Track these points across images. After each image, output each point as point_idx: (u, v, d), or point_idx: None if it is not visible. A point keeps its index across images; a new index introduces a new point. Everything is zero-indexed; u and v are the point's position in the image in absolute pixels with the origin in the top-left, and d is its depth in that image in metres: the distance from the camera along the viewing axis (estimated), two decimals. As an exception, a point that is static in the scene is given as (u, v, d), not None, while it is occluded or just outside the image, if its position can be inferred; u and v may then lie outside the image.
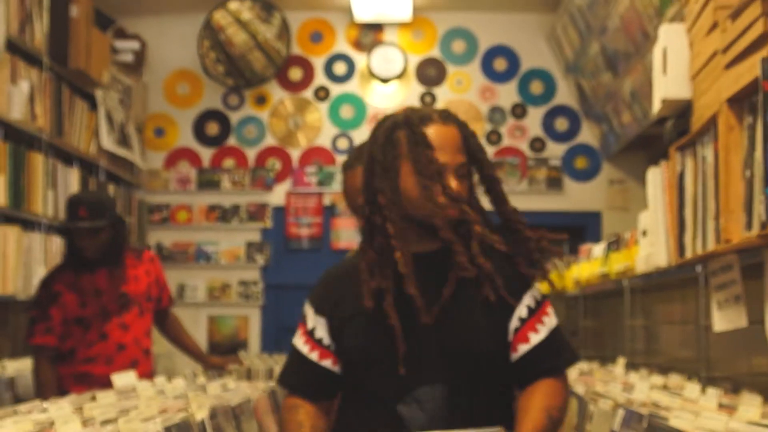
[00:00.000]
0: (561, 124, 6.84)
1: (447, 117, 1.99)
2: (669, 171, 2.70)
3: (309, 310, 2.08)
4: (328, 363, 2.05)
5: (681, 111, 2.69)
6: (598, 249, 4.34)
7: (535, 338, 1.96)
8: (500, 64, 6.87)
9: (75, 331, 3.76)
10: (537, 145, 6.82)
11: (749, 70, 1.93)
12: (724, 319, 2.37)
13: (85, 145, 5.46)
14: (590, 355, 4.96)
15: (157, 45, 6.72)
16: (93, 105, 5.60)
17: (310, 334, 2.06)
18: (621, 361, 4.01)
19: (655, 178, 2.85)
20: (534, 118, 6.84)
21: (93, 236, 3.75)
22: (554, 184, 6.77)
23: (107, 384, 3.05)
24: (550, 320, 2.00)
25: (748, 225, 2.03)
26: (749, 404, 2.29)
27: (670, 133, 2.76)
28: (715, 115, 2.21)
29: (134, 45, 6.22)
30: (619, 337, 4.36)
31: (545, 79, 6.84)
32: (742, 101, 2.06)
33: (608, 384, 2.99)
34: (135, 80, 6.41)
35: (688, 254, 2.57)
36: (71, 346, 3.76)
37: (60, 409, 2.14)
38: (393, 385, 1.94)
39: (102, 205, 3.80)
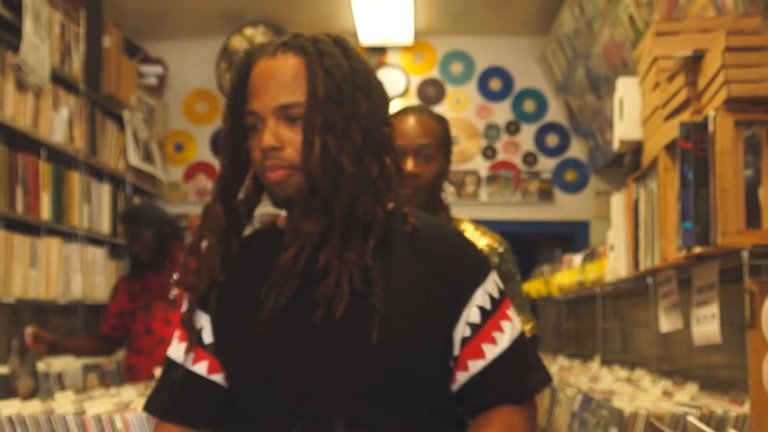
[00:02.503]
0: (552, 140, 7.35)
1: (284, 45, 1.47)
2: (627, 198, 3.22)
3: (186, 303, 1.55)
4: (218, 378, 1.51)
5: (635, 149, 3.22)
6: (577, 259, 4.88)
7: (493, 351, 1.43)
8: (495, 84, 7.38)
9: (127, 321, 4.38)
10: (529, 159, 7.33)
11: (678, 126, 2.45)
12: (668, 322, 2.89)
13: (114, 162, 5.98)
14: (572, 353, 5.51)
15: (178, 67, 7.24)
16: (121, 125, 6.12)
17: (195, 337, 1.52)
18: (597, 358, 4.55)
19: (618, 202, 3.39)
20: (527, 135, 7.35)
21: (135, 241, 4.36)
22: (545, 195, 7.27)
23: (151, 376, 3.63)
24: (512, 326, 1.46)
25: (680, 248, 2.55)
26: (686, 391, 2.82)
27: (628, 167, 3.29)
28: (656, 157, 2.73)
29: (158, 69, 6.74)
30: (595, 337, 4.90)
31: (537, 98, 7.35)
32: (675, 149, 2.58)
33: (579, 376, 3.52)
34: (157, 100, 6.94)
35: (642, 268, 3.08)
36: (128, 338, 4.40)
37: (128, 393, 2.65)
38: (276, 419, 1.41)
39: (139, 215, 4.44)
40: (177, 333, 1.56)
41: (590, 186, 7.26)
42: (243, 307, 1.47)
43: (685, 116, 2.42)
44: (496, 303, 1.46)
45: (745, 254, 2.15)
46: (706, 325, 2.38)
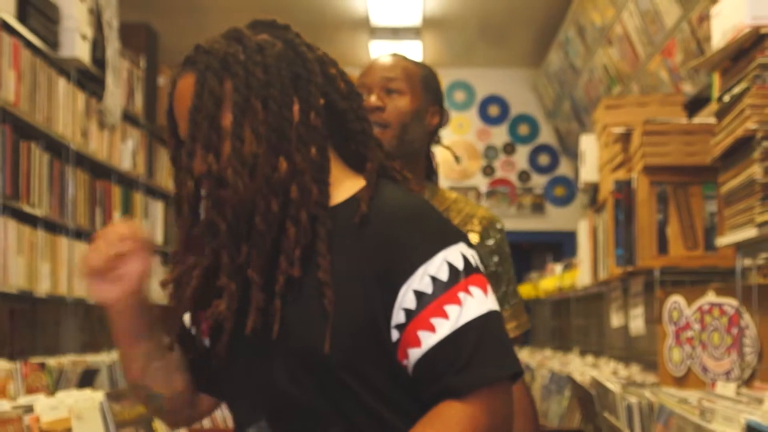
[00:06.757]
0: (543, 159, 8.34)
1: (184, 62, 1.37)
2: (589, 224, 4.21)
3: None
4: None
5: (595, 187, 4.20)
6: (557, 268, 5.87)
7: (430, 339, 1.26)
8: (494, 110, 8.36)
9: None
10: (524, 176, 8.32)
11: (613, 182, 3.44)
12: (616, 319, 3.87)
13: (165, 183, 6.96)
14: (557, 346, 6.51)
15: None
16: (171, 150, 7.10)
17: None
18: (576, 350, 5.53)
19: (583, 227, 4.37)
20: (521, 155, 8.33)
21: None
22: (538, 208, 8.26)
23: None
24: (461, 311, 1.27)
25: (616, 266, 3.53)
26: (630, 370, 3.80)
27: (589, 201, 4.27)
28: (606, 198, 3.71)
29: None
30: (572, 332, 5.90)
31: (530, 122, 8.34)
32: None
33: (555, 362, 4.51)
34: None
35: (600, 278, 4.06)
36: None
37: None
38: (236, 422, 1.42)
39: None
40: None
41: (577, 200, 8.22)
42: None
43: (621, 173, 3.40)
44: (442, 286, 1.27)
45: (656, 272, 3.13)
46: (636, 321, 3.35)
